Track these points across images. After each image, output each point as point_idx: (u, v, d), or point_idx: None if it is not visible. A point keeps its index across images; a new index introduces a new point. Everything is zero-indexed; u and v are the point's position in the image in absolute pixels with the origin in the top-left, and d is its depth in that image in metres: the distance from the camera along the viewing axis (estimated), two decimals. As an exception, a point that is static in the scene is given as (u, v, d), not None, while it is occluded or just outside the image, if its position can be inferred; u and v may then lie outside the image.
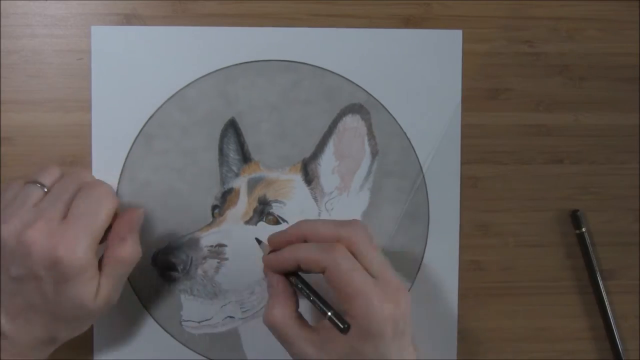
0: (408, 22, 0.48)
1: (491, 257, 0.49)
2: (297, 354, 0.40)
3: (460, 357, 0.48)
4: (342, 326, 0.38)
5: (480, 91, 0.48)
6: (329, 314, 0.39)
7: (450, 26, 0.48)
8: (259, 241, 0.44)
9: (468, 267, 0.48)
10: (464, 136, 0.48)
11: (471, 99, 0.48)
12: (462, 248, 0.48)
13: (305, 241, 0.41)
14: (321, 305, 0.40)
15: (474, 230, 0.48)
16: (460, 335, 0.48)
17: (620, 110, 0.49)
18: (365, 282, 0.38)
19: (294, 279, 0.41)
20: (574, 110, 0.49)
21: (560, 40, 0.49)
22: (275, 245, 0.42)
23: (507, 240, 0.49)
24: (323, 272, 0.39)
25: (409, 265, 0.48)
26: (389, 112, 0.48)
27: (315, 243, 0.40)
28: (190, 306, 0.47)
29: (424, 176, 0.48)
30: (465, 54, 0.48)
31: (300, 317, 0.41)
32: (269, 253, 0.42)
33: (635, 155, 0.49)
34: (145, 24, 0.47)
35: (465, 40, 0.48)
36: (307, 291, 0.41)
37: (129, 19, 0.47)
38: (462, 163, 0.48)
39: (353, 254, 0.39)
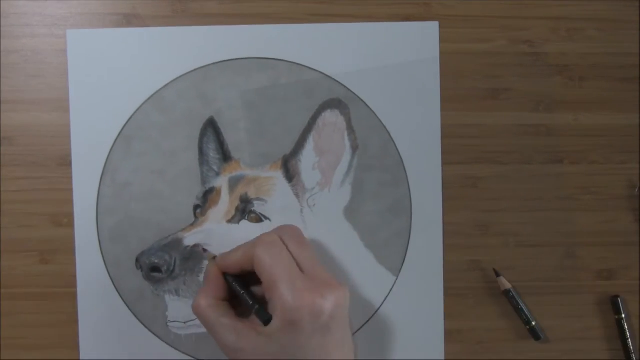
0: (407, 21, 0.48)
1: (491, 257, 0.49)
2: (218, 340, 0.40)
3: (460, 357, 0.48)
4: (264, 319, 0.39)
5: (480, 91, 0.48)
6: (255, 307, 0.40)
7: (450, 26, 0.48)
8: (204, 250, 0.45)
9: (468, 267, 0.48)
10: (464, 136, 0.48)
11: (471, 99, 0.48)
12: (462, 248, 0.48)
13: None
14: (248, 299, 0.41)
15: (474, 230, 0.48)
16: (459, 335, 0.48)
17: (620, 110, 0.49)
18: (288, 271, 0.39)
19: (228, 274, 0.42)
20: (574, 110, 0.49)
21: (560, 40, 0.49)
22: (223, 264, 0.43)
23: (507, 240, 0.49)
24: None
25: (393, 259, 0.48)
26: (368, 106, 0.48)
27: (253, 239, 0.42)
28: (176, 307, 0.47)
29: (405, 170, 0.47)
30: (465, 53, 0.48)
31: (226, 307, 0.41)
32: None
33: (635, 155, 0.49)
34: (145, 24, 0.47)
35: (465, 39, 0.48)
36: (237, 285, 0.42)
37: (129, 19, 0.47)
38: (462, 163, 0.48)
39: None
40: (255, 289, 0.42)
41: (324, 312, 0.38)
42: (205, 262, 0.46)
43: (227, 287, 0.42)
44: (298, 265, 0.40)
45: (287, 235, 0.42)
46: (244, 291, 0.41)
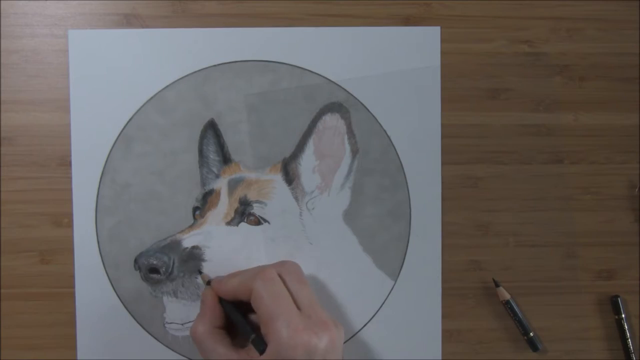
0: (408, 21, 0.48)
1: (491, 257, 0.49)
2: None
3: (459, 357, 0.48)
4: (260, 348, 0.39)
5: (480, 91, 0.48)
6: (252, 336, 0.40)
7: (450, 26, 0.48)
8: (200, 272, 0.45)
9: (468, 267, 0.48)
10: (464, 136, 0.48)
11: (471, 99, 0.48)
12: (462, 248, 0.48)
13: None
14: (245, 327, 0.41)
15: (474, 230, 0.48)
16: (459, 334, 0.48)
17: (620, 110, 0.49)
18: (285, 308, 0.39)
19: (225, 301, 0.42)
20: (574, 110, 0.49)
21: (560, 40, 0.49)
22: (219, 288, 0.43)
23: (507, 240, 0.49)
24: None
25: (391, 263, 0.48)
26: (368, 111, 0.48)
27: (251, 269, 0.43)
28: (174, 308, 0.47)
29: (405, 174, 0.48)
30: (465, 53, 0.48)
31: (222, 335, 0.42)
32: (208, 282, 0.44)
33: (635, 155, 0.49)
34: (144, 24, 0.47)
35: (465, 40, 0.48)
36: (234, 313, 0.42)
37: (129, 19, 0.47)
38: (462, 163, 0.48)
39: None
40: (252, 317, 0.43)
41: (318, 351, 0.38)
42: (203, 263, 0.46)
43: (224, 315, 0.42)
44: (295, 302, 0.40)
45: (287, 271, 0.42)
46: (241, 319, 0.42)
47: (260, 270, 0.41)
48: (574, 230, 0.49)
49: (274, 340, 0.38)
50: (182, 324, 0.46)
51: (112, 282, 0.46)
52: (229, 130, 0.47)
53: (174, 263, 0.45)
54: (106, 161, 0.47)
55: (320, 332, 0.39)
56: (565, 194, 0.49)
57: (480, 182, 0.48)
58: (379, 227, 0.47)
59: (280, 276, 0.41)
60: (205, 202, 0.47)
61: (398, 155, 0.48)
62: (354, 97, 0.47)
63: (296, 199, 0.47)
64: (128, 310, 0.47)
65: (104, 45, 0.46)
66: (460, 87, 0.48)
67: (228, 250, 0.46)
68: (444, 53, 0.48)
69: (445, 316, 0.48)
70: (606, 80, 0.49)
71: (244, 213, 0.47)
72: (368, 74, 0.47)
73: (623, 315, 0.48)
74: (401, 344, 0.48)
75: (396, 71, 0.48)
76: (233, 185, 0.47)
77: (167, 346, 0.47)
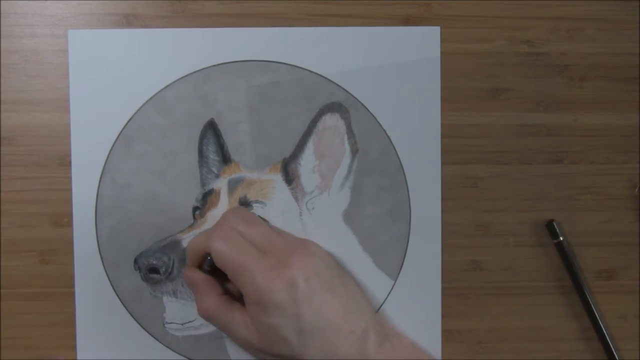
0: (407, 21, 0.48)
1: (491, 257, 0.49)
2: (236, 337, 0.41)
3: (459, 357, 0.48)
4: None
5: (480, 91, 0.48)
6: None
7: (450, 26, 0.48)
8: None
9: (468, 267, 0.48)
10: (464, 136, 0.48)
11: (471, 99, 0.48)
12: (462, 248, 0.48)
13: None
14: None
15: (474, 230, 0.48)
16: (459, 335, 0.48)
17: (620, 110, 0.49)
18: (245, 257, 0.39)
19: (204, 264, 0.43)
20: (574, 110, 0.49)
21: (560, 40, 0.49)
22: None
23: (507, 240, 0.49)
24: None
25: (391, 263, 0.48)
26: (368, 110, 0.48)
27: (205, 230, 0.44)
28: (173, 308, 0.47)
29: (405, 174, 0.48)
30: (465, 53, 0.48)
31: (229, 300, 0.42)
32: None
33: (635, 155, 0.49)
34: (144, 24, 0.47)
35: (465, 40, 0.48)
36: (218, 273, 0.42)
37: (129, 19, 0.47)
38: (462, 163, 0.48)
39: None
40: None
41: (297, 281, 0.38)
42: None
43: (218, 281, 0.43)
44: (255, 245, 0.40)
45: (234, 220, 0.42)
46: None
47: (213, 230, 0.41)
48: (574, 230, 0.49)
49: (251, 292, 0.38)
50: (182, 324, 0.47)
51: (112, 282, 0.46)
52: (229, 130, 0.47)
53: (173, 263, 0.45)
54: (106, 161, 0.47)
55: (288, 262, 0.39)
56: (565, 194, 0.49)
57: (480, 182, 0.48)
58: (379, 227, 0.47)
59: (233, 227, 0.41)
60: (205, 202, 0.47)
61: (398, 155, 0.48)
62: (354, 96, 0.47)
63: (296, 199, 0.47)
64: (128, 310, 0.47)
65: (104, 45, 0.46)
66: (460, 87, 0.48)
67: None
68: (443, 53, 0.48)
69: (445, 316, 0.48)
70: (606, 80, 0.49)
71: None
72: (367, 74, 0.47)
73: (561, 238, 0.47)
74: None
75: (396, 70, 0.48)
76: (233, 185, 0.47)
77: (167, 346, 0.47)
